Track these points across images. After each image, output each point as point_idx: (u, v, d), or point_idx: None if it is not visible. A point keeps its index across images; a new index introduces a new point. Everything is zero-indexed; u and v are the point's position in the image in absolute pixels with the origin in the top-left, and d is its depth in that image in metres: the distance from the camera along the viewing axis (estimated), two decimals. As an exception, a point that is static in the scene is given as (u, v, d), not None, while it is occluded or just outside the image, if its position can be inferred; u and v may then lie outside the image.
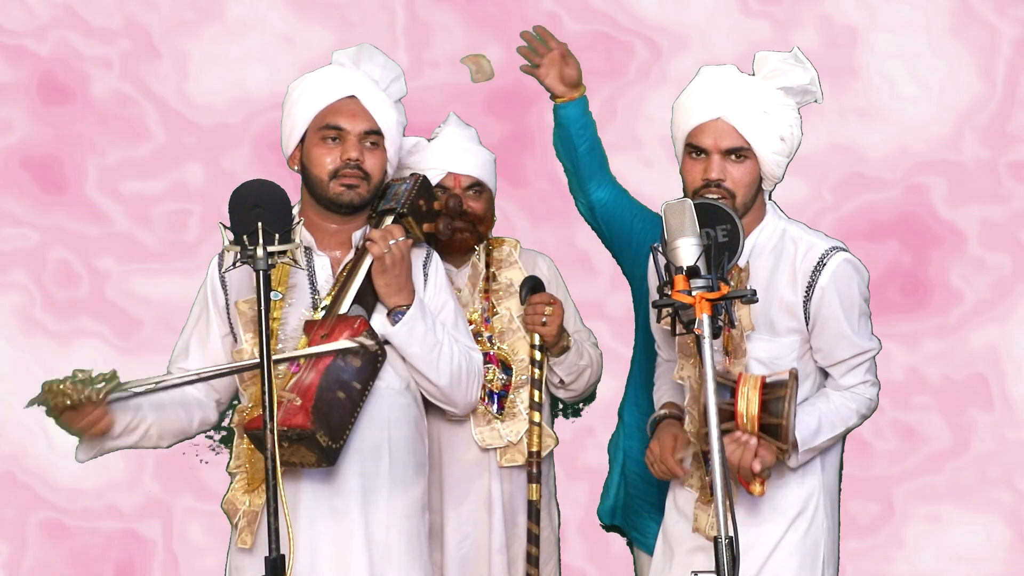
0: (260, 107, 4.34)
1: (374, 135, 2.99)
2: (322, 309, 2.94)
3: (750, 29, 4.32)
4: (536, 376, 3.39)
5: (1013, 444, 4.26)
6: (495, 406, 3.38)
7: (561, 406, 3.80)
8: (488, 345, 3.40)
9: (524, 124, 3.64)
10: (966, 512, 4.25)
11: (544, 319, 3.32)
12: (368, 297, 2.94)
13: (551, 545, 3.53)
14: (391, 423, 2.98)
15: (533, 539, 3.40)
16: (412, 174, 3.16)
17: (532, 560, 3.41)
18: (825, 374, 3.07)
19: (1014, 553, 4.24)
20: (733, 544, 2.52)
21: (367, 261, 2.95)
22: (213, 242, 4.10)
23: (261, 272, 2.55)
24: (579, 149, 3.50)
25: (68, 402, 2.63)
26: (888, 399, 3.79)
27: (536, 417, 3.39)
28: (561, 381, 3.45)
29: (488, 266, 3.46)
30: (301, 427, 2.71)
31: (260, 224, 2.56)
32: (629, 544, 3.80)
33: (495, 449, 3.38)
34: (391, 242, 2.92)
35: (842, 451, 3.18)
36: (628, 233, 3.55)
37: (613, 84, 3.66)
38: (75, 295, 4.31)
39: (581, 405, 3.85)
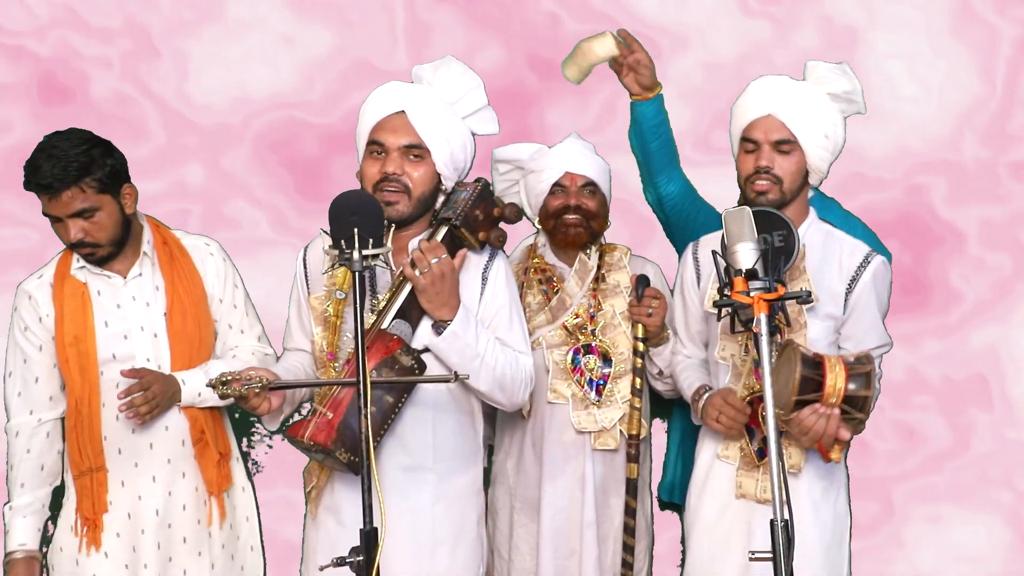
0: (260, 107, 4.34)
1: (417, 149, 3.12)
2: (375, 313, 3.12)
3: (750, 29, 4.33)
4: (638, 365, 3.60)
5: (1013, 444, 4.26)
6: (593, 393, 3.62)
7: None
8: (592, 337, 3.64)
9: (524, 124, 3.65)
10: (966, 512, 4.26)
11: (650, 311, 3.53)
12: (414, 308, 3.11)
13: (641, 529, 3.72)
14: (436, 421, 3.18)
15: (630, 512, 3.63)
16: (475, 179, 3.27)
17: (628, 530, 3.64)
18: None
19: (1014, 553, 4.25)
20: (788, 526, 2.68)
21: None
22: (213, 242, 4.09)
23: (357, 273, 2.75)
24: (651, 145, 3.70)
25: (235, 394, 2.99)
26: (888, 399, 3.79)
27: (637, 403, 3.61)
28: (660, 372, 3.64)
29: (599, 267, 3.69)
30: (323, 445, 3.00)
31: (356, 230, 2.75)
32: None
33: (590, 433, 3.62)
34: (433, 260, 3.06)
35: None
36: (690, 225, 3.74)
37: (613, 84, 3.67)
38: (75, 295, 4.30)
39: None
